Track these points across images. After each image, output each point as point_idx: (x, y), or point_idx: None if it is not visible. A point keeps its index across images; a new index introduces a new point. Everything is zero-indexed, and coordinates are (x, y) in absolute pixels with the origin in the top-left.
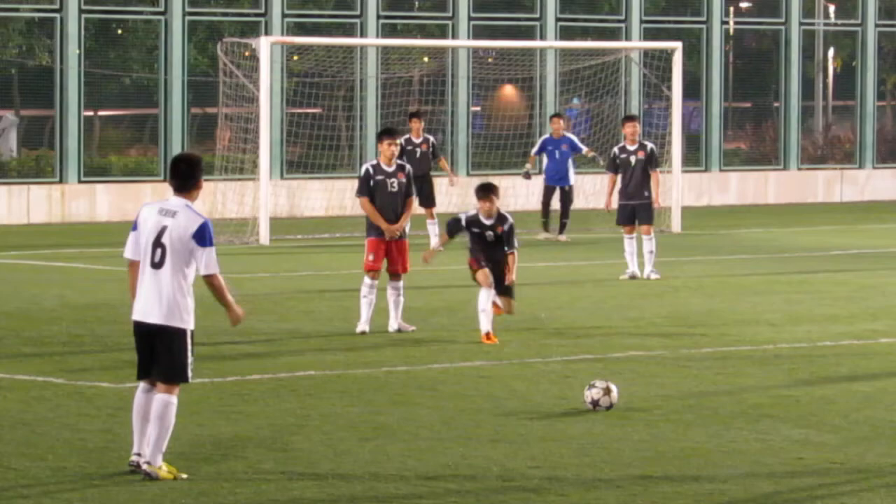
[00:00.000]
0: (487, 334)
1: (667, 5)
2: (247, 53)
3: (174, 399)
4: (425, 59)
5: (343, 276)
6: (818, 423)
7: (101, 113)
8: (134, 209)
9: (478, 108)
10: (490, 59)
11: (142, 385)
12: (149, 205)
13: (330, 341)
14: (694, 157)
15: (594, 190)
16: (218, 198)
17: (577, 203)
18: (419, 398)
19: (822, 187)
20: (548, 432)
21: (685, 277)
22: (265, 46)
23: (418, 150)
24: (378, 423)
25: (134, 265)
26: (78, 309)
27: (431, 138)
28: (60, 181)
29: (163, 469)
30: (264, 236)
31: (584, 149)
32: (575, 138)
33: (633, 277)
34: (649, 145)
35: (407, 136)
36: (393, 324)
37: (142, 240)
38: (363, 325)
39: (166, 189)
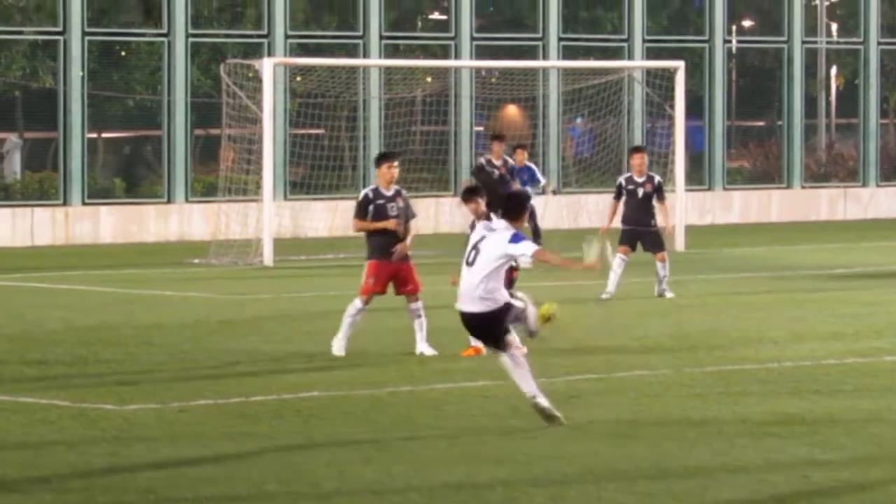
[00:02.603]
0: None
1: (669, 24)
2: (250, 74)
3: (512, 353)
4: (428, 79)
5: (347, 296)
6: (823, 441)
7: (104, 135)
8: (138, 231)
9: (481, 128)
10: (493, 79)
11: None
12: (481, 223)
13: (334, 362)
14: (697, 175)
15: (597, 209)
16: (221, 219)
17: (581, 222)
18: (423, 418)
19: (826, 205)
20: (552, 451)
21: (689, 296)
22: (268, 67)
23: (496, 171)
24: (382, 444)
25: None
26: (82, 331)
27: (510, 160)
28: (64, 203)
29: (541, 399)
30: (268, 257)
31: (543, 180)
32: (535, 169)
33: (607, 298)
34: (657, 178)
35: (487, 157)
36: (420, 346)
37: (468, 246)
38: (343, 347)
39: (169, 210)
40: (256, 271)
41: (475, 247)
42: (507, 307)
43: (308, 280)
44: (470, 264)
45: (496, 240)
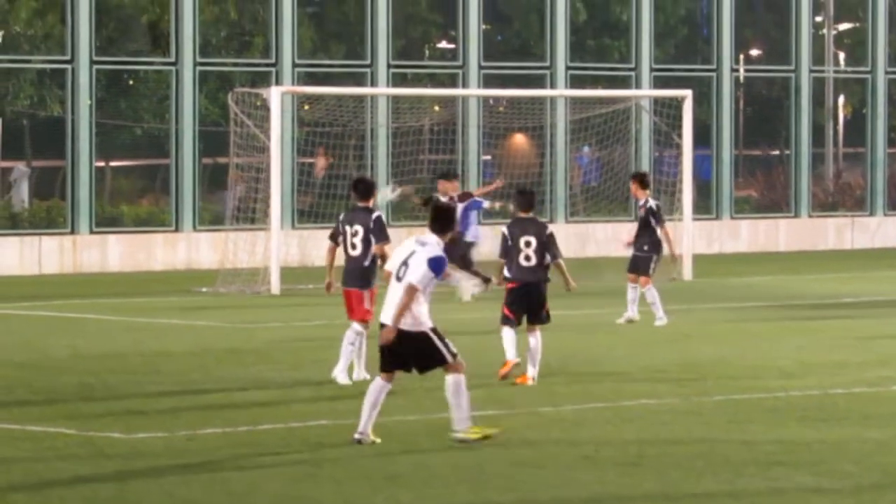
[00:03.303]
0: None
1: (676, 53)
2: (258, 103)
3: (460, 377)
4: (436, 108)
5: None
6: (830, 471)
7: (112, 163)
8: (146, 259)
9: (488, 157)
10: (501, 108)
11: (381, 377)
12: (413, 237)
13: (342, 390)
14: (705, 204)
15: (605, 237)
16: (229, 247)
17: (589, 251)
18: (430, 446)
19: (833, 234)
20: (558, 479)
21: (696, 324)
22: (276, 96)
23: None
24: (390, 472)
25: (388, 275)
26: (89, 359)
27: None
28: (72, 231)
29: (470, 431)
30: (275, 285)
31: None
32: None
33: (629, 321)
34: (650, 203)
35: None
36: (362, 372)
37: (396, 260)
38: (346, 376)
39: (177, 238)
40: (264, 300)
41: (405, 262)
42: (433, 331)
43: (315, 308)
44: (399, 279)
45: (420, 260)
